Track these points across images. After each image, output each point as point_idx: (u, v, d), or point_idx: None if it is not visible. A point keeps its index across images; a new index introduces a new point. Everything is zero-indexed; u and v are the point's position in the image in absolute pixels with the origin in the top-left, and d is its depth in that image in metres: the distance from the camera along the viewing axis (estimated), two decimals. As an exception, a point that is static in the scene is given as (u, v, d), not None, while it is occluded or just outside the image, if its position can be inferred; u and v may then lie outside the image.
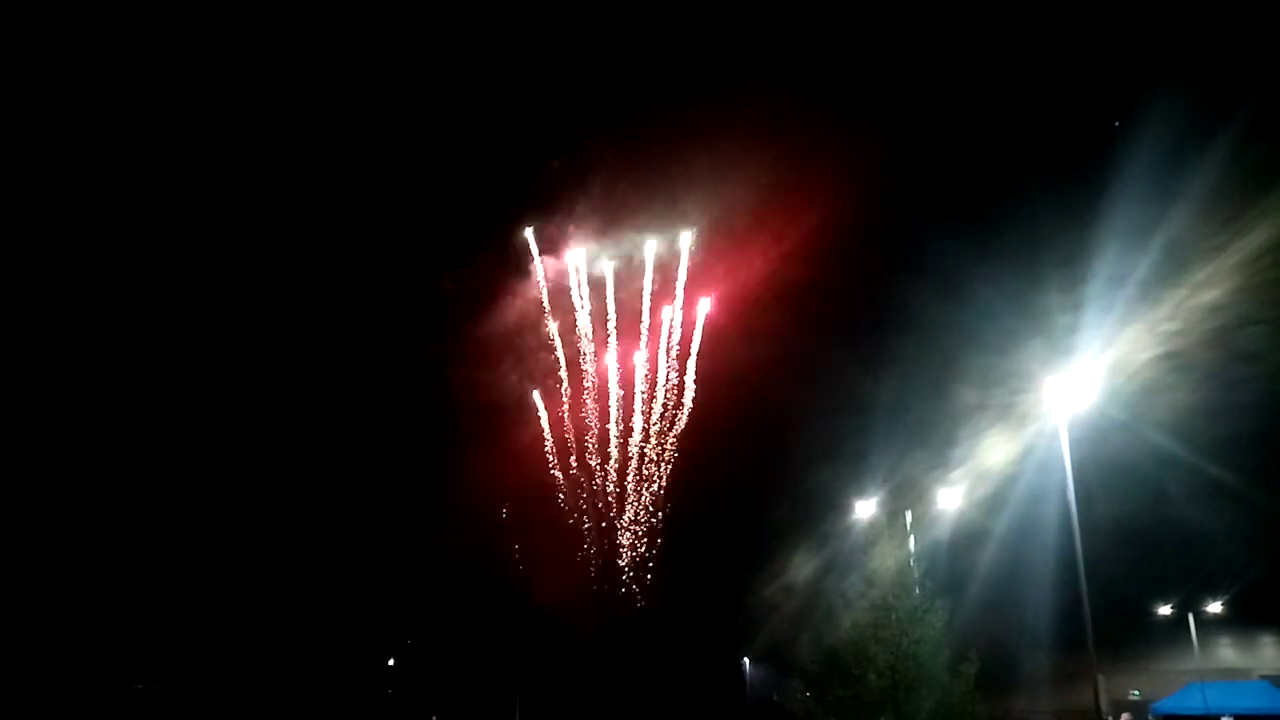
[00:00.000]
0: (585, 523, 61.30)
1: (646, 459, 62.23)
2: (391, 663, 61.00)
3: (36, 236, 47.80)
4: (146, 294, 51.97)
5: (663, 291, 61.60)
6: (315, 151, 56.01)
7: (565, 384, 61.95)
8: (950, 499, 34.74)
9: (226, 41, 52.49)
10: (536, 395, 62.05)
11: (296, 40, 53.58)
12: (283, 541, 52.70)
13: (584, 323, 62.03)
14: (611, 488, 62.00)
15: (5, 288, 47.18)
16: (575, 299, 61.97)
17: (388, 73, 58.25)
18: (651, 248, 61.31)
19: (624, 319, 62.73)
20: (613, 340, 61.79)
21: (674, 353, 61.74)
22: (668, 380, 61.63)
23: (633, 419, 61.76)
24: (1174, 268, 31.30)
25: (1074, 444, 25.63)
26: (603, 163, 62.71)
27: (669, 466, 61.92)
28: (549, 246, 63.19)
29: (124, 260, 51.38)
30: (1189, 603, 48.87)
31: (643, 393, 61.47)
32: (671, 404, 61.82)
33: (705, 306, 61.32)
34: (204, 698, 50.40)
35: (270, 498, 52.68)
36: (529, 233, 62.67)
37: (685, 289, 61.09)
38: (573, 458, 62.28)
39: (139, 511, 49.77)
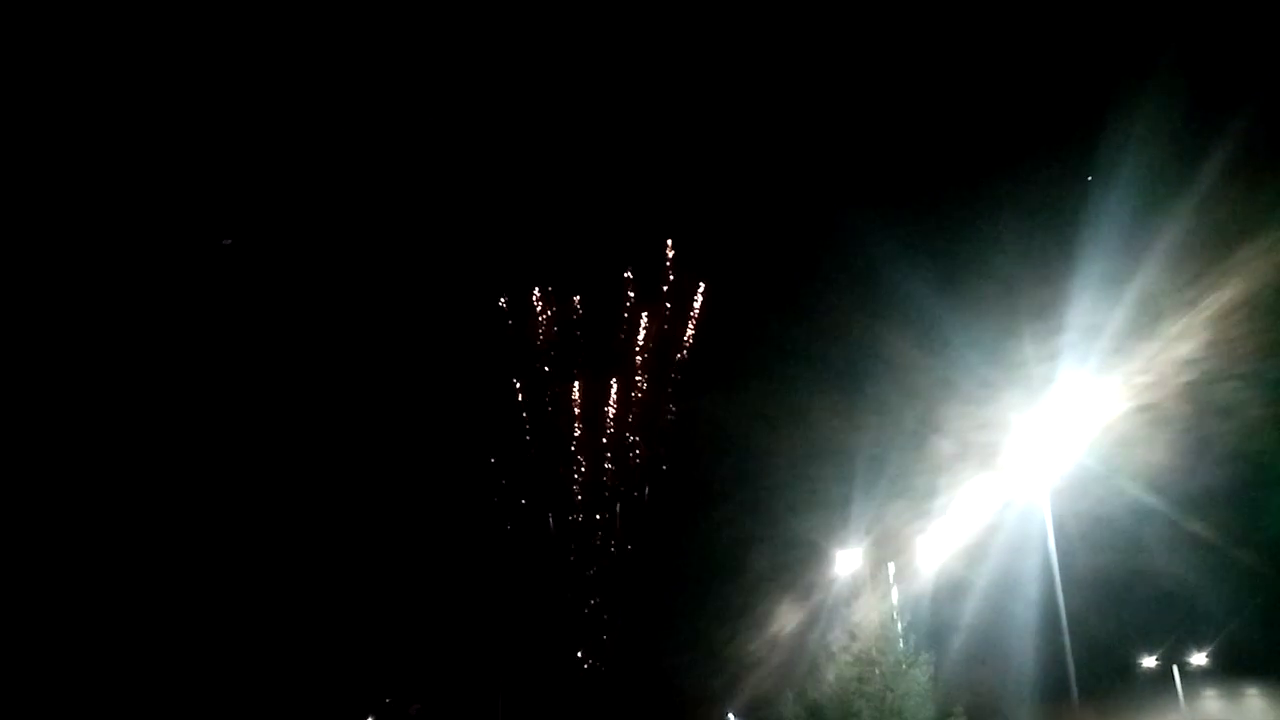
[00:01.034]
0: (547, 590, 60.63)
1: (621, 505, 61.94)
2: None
3: (51, 241, 47.08)
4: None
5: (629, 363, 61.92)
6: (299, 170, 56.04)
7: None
8: (932, 551, 34.67)
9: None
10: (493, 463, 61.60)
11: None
12: (256, 606, 51.60)
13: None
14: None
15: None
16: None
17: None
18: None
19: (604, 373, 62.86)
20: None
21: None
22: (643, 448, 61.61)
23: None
24: (1148, 320, 31.68)
25: (1053, 496, 25.76)
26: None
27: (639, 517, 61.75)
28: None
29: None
30: (1173, 655, 48.68)
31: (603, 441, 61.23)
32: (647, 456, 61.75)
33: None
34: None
35: (244, 558, 51.73)
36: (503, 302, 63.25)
37: (649, 358, 61.58)
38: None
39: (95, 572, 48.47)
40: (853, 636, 31.47)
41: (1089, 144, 40.66)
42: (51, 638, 46.10)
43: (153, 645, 48.60)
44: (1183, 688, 48.37)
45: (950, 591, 35.33)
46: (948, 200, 51.89)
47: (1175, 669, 48.55)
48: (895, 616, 31.66)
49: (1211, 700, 51.18)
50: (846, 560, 35.67)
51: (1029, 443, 26.10)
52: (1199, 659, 49.42)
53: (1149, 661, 49.69)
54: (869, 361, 51.28)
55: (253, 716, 51.48)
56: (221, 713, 50.09)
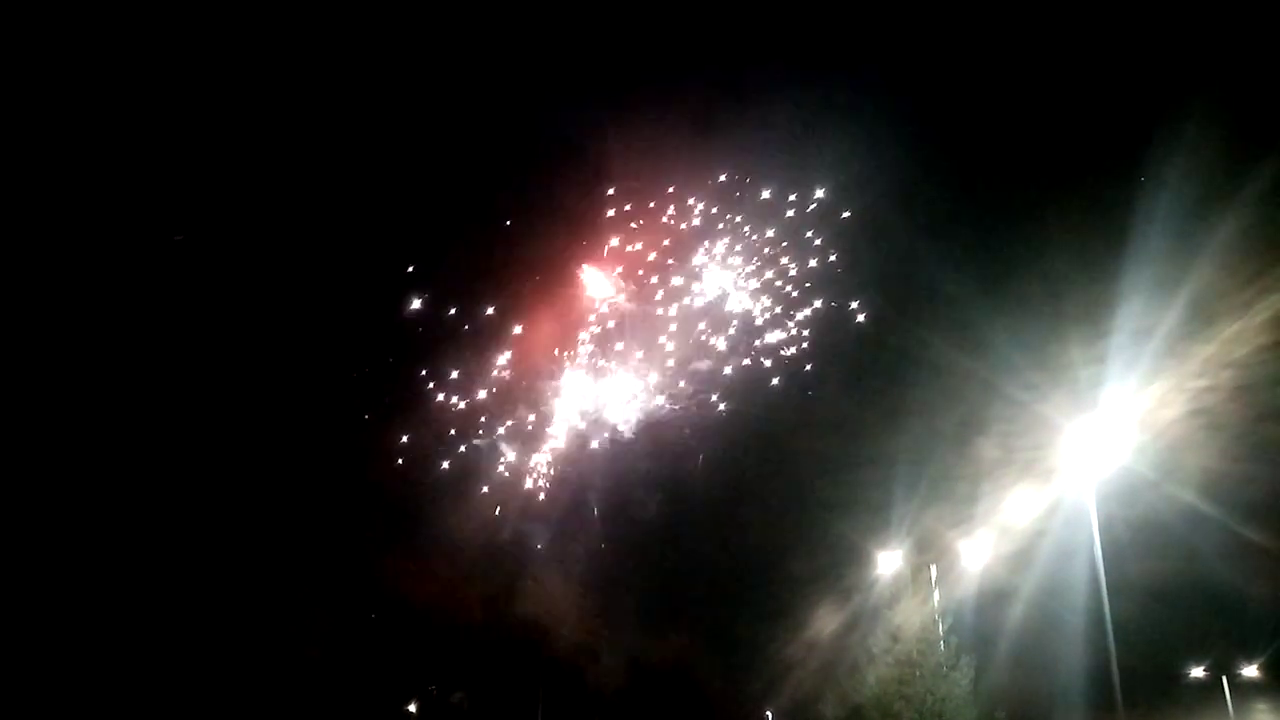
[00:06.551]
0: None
1: None
2: (414, 708, 60.28)
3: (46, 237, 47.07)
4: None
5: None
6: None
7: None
8: (975, 554, 34.32)
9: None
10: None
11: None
12: (296, 593, 52.21)
13: None
14: None
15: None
16: None
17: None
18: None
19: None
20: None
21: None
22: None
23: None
24: (1201, 323, 31.00)
25: (1101, 501, 25.36)
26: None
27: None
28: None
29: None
30: (1223, 665, 47.67)
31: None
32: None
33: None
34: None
35: (288, 543, 52.37)
36: None
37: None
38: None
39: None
40: (894, 639, 31.31)
41: (1141, 141, 39.94)
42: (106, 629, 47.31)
43: (194, 631, 49.54)
44: (1233, 700, 47.37)
45: (994, 596, 34.91)
46: (992, 197, 51.10)
47: (1225, 680, 47.56)
48: (937, 619, 31.43)
49: (1263, 714, 50.04)
50: (888, 562, 35.40)
51: (1076, 447, 25.70)
52: (1250, 671, 48.36)
53: (1198, 672, 48.70)
54: (911, 364, 50.67)
55: (296, 702, 52.21)
56: (262, 697, 50.91)
